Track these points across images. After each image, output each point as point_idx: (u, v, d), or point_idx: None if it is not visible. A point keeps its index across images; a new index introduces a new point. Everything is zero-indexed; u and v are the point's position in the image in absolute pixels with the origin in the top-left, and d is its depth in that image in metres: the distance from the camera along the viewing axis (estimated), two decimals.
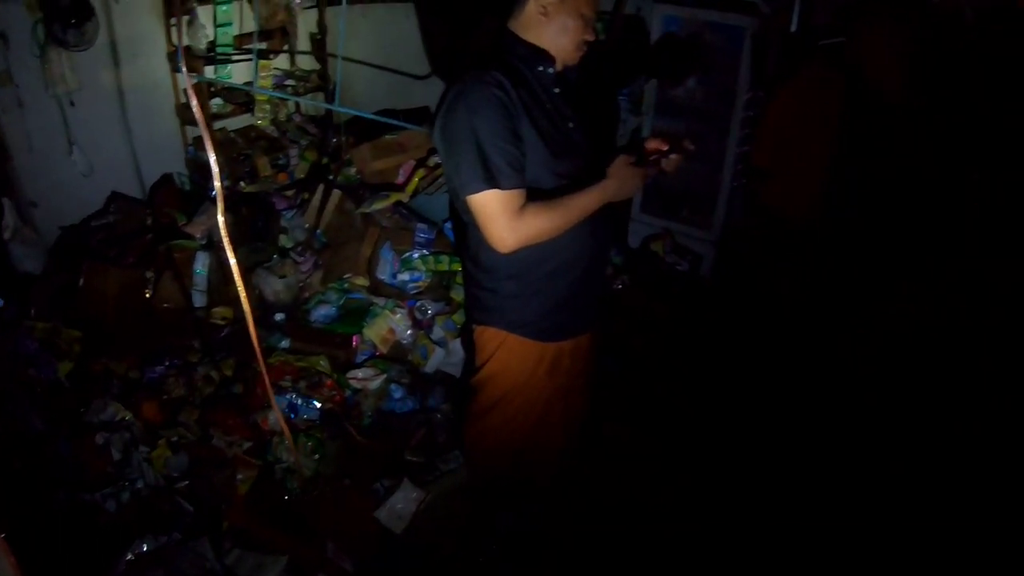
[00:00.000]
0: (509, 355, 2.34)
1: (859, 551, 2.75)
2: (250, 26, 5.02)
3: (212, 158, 2.36)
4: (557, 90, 2.12)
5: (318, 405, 3.53)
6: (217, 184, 2.38)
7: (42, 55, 4.51)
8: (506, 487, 2.69)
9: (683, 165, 2.26)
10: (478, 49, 2.21)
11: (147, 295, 4.17)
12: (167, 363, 3.76)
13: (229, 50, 4.96)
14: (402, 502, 3.10)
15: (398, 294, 4.02)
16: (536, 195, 2.01)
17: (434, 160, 4.45)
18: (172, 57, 4.86)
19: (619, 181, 2.08)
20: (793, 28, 4.38)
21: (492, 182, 1.93)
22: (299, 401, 3.54)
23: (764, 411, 3.45)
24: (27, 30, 4.44)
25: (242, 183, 4.81)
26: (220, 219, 2.43)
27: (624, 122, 5.04)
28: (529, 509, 2.82)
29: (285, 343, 3.87)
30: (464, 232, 2.26)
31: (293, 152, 4.98)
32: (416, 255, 4.08)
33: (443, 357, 3.83)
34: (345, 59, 5.26)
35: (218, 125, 5.12)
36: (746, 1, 4.31)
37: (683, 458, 3.34)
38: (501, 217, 1.96)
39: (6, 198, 4.55)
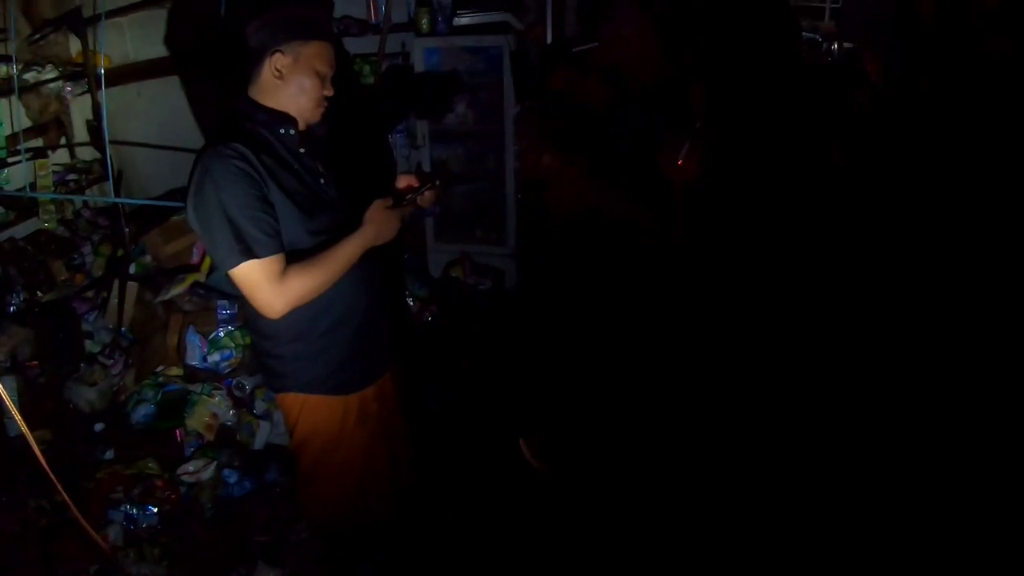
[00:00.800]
0: (314, 415, 2.43)
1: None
2: (22, 123, 4.88)
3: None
4: (303, 150, 2.23)
5: (155, 510, 3.55)
6: None
7: None
8: (352, 541, 2.79)
9: (442, 195, 2.46)
10: (220, 119, 2.28)
11: None
12: None
13: (2, 153, 4.81)
14: None
15: (213, 376, 4.06)
16: (295, 256, 2.11)
17: None
18: None
19: (376, 225, 2.20)
20: (548, 40, 4.60)
21: (248, 253, 1.99)
22: (135, 511, 3.55)
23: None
24: None
25: (39, 292, 4.70)
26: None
27: (407, 157, 5.17)
28: (382, 557, 2.93)
29: (109, 454, 3.87)
30: (243, 304, 2.36)
31: (87, 249, 4.87)
32: (222, 333, 4.12)
33: (269, 430, 3.91)
34: (122, 143, 5.20)
35: (4, 235, 4.97)
36: (499, 22, 4.48)
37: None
38: (264, 285, 2.03)
39: None
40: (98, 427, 4.05)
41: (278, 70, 2.12)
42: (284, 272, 2.05)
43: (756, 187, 2.68)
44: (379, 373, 2.52)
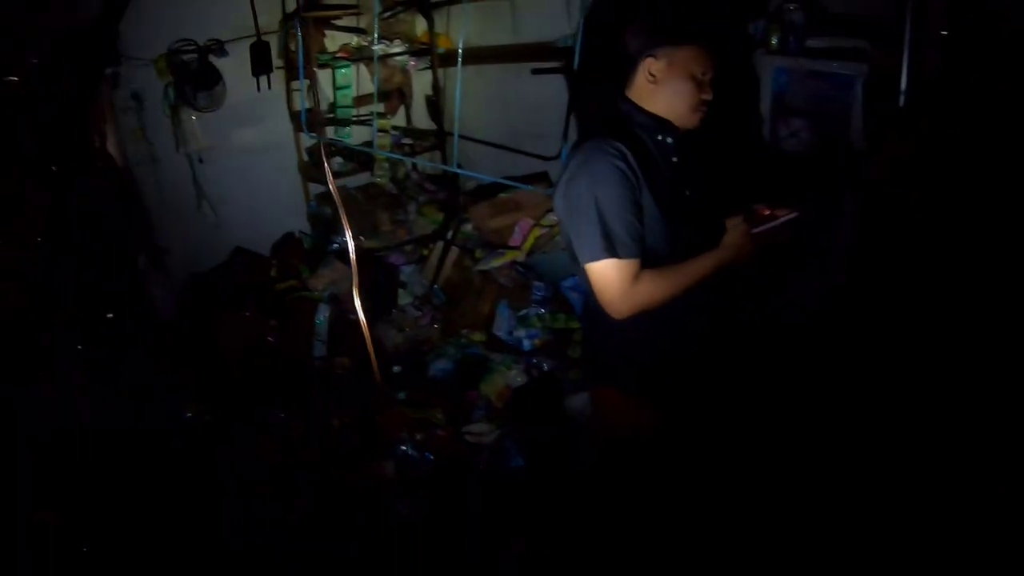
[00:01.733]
0: (631, 416, 2.29)
1: None
2: (368, 88, 5.23)
3: (342, 214, 2.43)
4: (675, 159, 2.12)
5: (432, 458, 3.54)
6: (351, 243, 2.43)
7: (173, 115, 4.85)
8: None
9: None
10: (602, 116, 2.21)
11: (271, 343, 4.29)
12: (288, 408, 3.84)
13: (349, 111, 5.16)
14: None
15: (515, 351, 4.03)
16: (650, 263, 2.00)
17: (550, 219, 4.49)
18: (295, 118, 5.08)
19: (735, 250, 2.05)
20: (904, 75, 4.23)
21: (611, 251, 1.93)
22: (414, 453, 3.56)
23: None
24: (160, 92, 4.80)
25: (363, 238, 4.95)
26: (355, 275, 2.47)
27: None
28: None
29: (401, 395, 3.91)
30: (588, 297, 2.26)
31: (411, 208, 5.10)
32: (533, 313, 4.11)
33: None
34: (461, 136, 5.42)
35: (339, 183, 5.28)
36: (855, 48, 4.21)
37: None
38: (616, 285, 1.96)
39: (139, 244, 4.80)
40: (396, 369, 4.13)
41: (652, 75, 2.04)
42: (638, 277, 1.96)
43: None
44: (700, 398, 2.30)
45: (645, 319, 2.05)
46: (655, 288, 1.97)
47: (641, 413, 2.25)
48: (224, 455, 3.57)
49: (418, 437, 3.63)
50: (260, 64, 4.81)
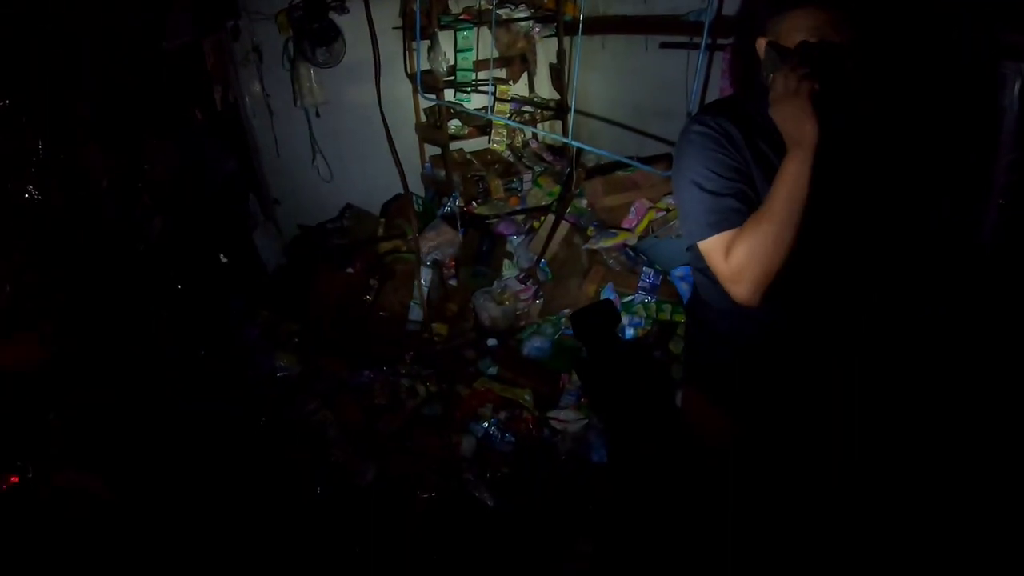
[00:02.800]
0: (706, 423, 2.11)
1: None
2: (491, 53, 5.09)
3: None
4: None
5: (513, 439, 3.39)
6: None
7: (292, 70, 4.88)
8: None
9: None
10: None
11: (368, 302, 4.22)
12: (376, 370, 3.76)
13: (469, 75, 5.02)
14: None
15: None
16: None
17: (667, 203, 4.23)
18: (413, 78, 5.01)
19: (780, 118, 1.62)
20: None
21: (717, 227, 1.68)
22: (495, 431, 3.41)
23: None
24: (279, 46, 4.83)
25: (474, 203, 4.82)
26: None
27: None
28: None
29: (493, 370, 3.76)
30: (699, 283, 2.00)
31: (527, 178, 4.94)
32: (639, 300, 3.87)
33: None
34: (584, 111, 5.19)
35: (455, 146, 5.20)
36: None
37: None
38: (718, 261, 1.69)
39: (253, 194, 4.83)
40: (491, 343, 3.98)
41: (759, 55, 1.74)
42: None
43: None
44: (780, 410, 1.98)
45: (726, 316, 1.85)
46: (753, 240, 1.62)
47: (722, 422, 2.03)
48: (306, 411, 3.51)
49: (502, 416, 3.49)
50: None
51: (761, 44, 1.74)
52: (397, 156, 2.52)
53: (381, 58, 4.89)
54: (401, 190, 5.20)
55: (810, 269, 1.68)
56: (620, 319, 3.83)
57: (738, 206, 1.66)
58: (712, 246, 1.68)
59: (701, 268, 1.84)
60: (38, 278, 2.83)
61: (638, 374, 3.64)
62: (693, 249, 1.79)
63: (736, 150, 1.70)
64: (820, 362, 1.88)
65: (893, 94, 2.00)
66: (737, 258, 1.63)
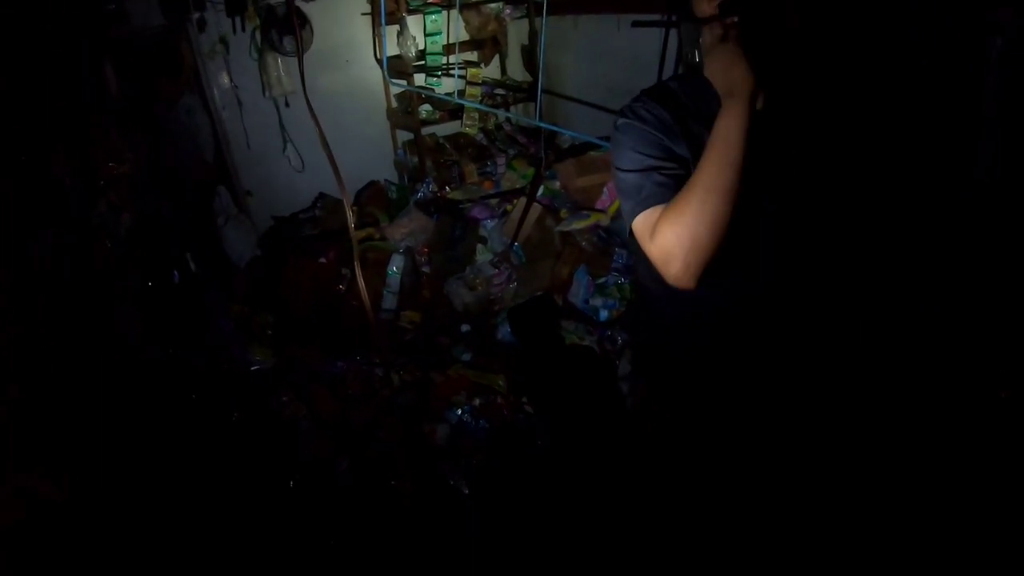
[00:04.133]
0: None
1: None
2: (462, 36, 5.04)
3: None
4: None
5: (486, 426, 3.36)
6: None
7: (260, 60, 4.83)
8: None
9: None
10: None
11: (341, 291, 4.18)
12: (349, 359, 3.73)
13: (439, 59, 4.97)
14: None
15: (589, 320, 3.78)
16: None
17: None
18: (382, 65, 4.97)
19: (710, 71, 1.48)
20: None
21: (642, 206, 1.51)
22: (468, 418, 3.39)
23: None
24: (246, 36, 4.78)
25: (448, 188, 4.78)
26: None
27: None
28: None
29: (467, 356, 3.73)
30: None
31: (501, 161, 4.90)
32: (612, 281, 3.84)
33: (625, 392, 3.54)
34: (556, 92, 5.15)
35: (427, 131, 5.15)
36: None
37: None
38: (647, 240, 1.49)
39: (222, 186, 4.79)
40: (464, 328, 3.95)
41: None
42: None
43: None
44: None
45: (669, 302, 1.68)
46: (679, 212, 1.41)
47: (675, 418, 1.92)
48: (279, 403, 3.49)
49: (477, 403, 3.46)
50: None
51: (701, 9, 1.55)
52: (330, 152, 2.45)
53: (348, 45, 4.88)
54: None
55: (757, 245, 1.54)
56: (559, 314, 3.80)
57: (663, 180, 1.49)
58: (639, 225, 1.51)
59: (638, 252, 1.63)
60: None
61: (577, 372, 3.61)
62: (631, 236, 1.61)
63: (665, 132, 1.55)
64: (781, 353, 1.73)
65: (857, 52, 1.88)
66: (663, 235, 1.43)
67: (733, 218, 1.40)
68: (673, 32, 4.02)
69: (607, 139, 4.03)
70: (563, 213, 4.23)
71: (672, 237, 1.41)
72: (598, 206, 4.19)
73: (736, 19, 1.43)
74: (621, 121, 1.60)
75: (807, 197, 1.57)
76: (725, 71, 1.43)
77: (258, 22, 4.70)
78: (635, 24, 4.42)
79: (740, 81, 1.41)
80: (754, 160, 1.40)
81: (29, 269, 2.93)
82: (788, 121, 1.54)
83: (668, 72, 3.73)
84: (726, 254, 1.43)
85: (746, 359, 1.74)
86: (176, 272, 4.46)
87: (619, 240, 3.98)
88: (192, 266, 4.65)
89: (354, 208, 4.88)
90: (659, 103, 1.59)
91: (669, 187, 1.47)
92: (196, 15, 4.55)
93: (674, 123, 1.56)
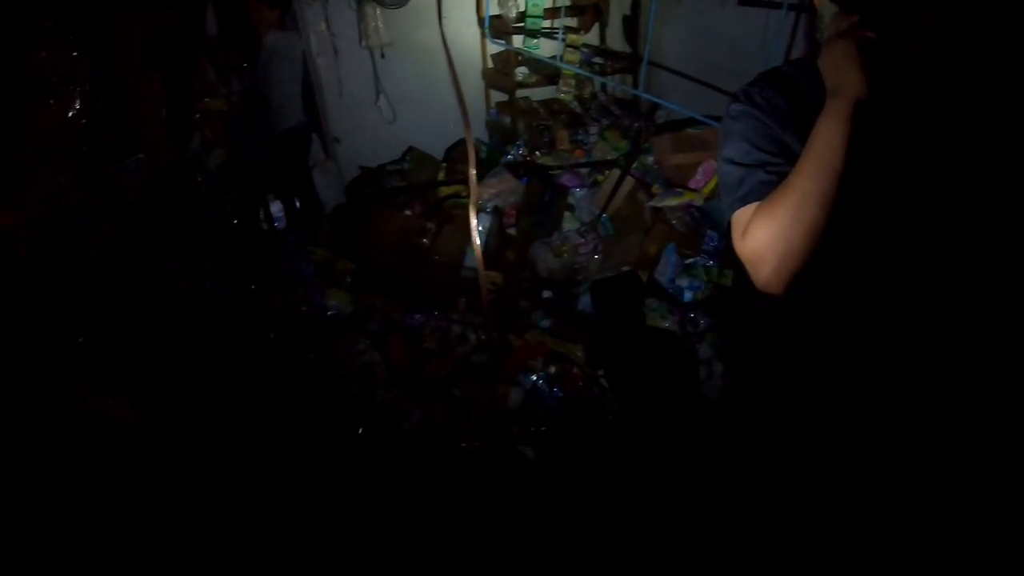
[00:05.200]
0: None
1: None
2: (561, 0, 4.96)
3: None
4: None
5: (560, 394, 3.32)
6: None
7: (358, 9, 4.83)
8: None
9: None
10: None
11: (424, 245, 4.16)
12: (428, 314, 3.72)
13: (539, 22, 4.90)
14: None
15: (672, 299, 3.69)
16: None
17: None
18: (482, 23, 4.91)
19: (823, 64, 1.40)
20: None
21: (739, 201, 1.45)
22: (543, 384, 3.35)
23: None
24: None
25: (538, 153, 4.72)
26: None
27: None
28: None
29: (546, 322, 3.68)
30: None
31: (593, 130, 4.81)
32: (701, 263, 3.74)
33: (704, 377, 3.46)
34: (657, 63, 5.03)
35: (522, 93, 5.09)
36: None
37: None
38: (739, 238, 1.43)
39: (314, 133, 4.80)
40: (546, 294, 3.90)
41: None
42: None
43: None
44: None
45: (758, 294, 1.49)
46: (773, 212, 1.34)
47: (762, 410, 1.84)
48: (355, 350, 3.48)
49: (552, 370, 3.42)
50: None
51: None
52: (464, 104, 2.40)
53: (450, 1, 4.82)
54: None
55: (854, 249, 1.45)
56: (643, 293, 3.71)
57: (768, 178, 1.41)
58: (734, 221, 1.45)
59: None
60: (83, 198, 2.80)
61: (655, 353, 3.52)
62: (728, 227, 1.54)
63: (780, 123, 1.47)
64: (875, 353, 1.59)
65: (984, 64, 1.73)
66: (755, 236, 1.36)
67: (830, 222, 1.31)
68: (776, 15, 3.90)
69: (710, 118, 3.95)
70: (655, 189, 4.13)
71: (764, 240, 1.35)
72: (692, 185, 4.07)
73: (863, 18, 1.33)
74: (735, 107, 1.51)
75: (909, 203, 1.46)
76: (837, 67, 1.35)
77: None
78: (741, 2, 4.28)
79: (849, 82, 1.32)
80: (856, 164, 1.31)
81: (115, 193, 2.95)
82: (894, 127, 1.44)
83: (771, 57, 3.59)
84: (821, 257, 1.35)
85: (837, 359, 1.63)
86: (261, 211, 4.50)
87: (711, 222, 3.87)
88: (277, 207, 4.70)
89: (443, 165, 4.87)
90: (776, 90, 1.50)
91: (772, 185, 1.39)
92: None
93: (790, 113, 1.46)
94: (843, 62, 1.33)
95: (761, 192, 1.39)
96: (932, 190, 1.46)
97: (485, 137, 5.29)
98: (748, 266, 1.40)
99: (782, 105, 1.47)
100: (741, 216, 1.42)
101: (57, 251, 2.50)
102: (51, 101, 2.56)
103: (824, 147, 1.31)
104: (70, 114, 2.59)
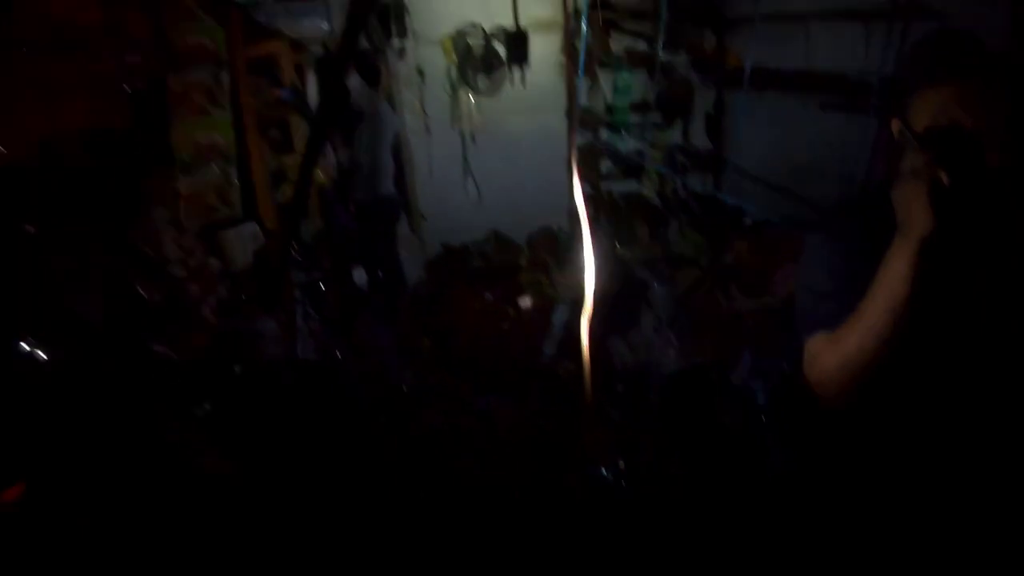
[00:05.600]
0: None
1: None
2: (648, 96, 5.13)
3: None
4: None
5: (627, 487, 3.35)
6: None
7: (452, 94, 5.07)
8: None
9: None
10: None
11: (504, 329, 4.27)
12: (500, 398, 3.79)
13: (625, 117, 5.06)
14: None
15: (745, 400, 3.72)
16: None
17: None
18: (571, 114, 5.09)
19: (895, 200, 1.40)
20: None
21: (808, 331, 1.50)
22: (610, 477, 3.38)
23: None
24: (442, 69, 5.05)
25: (618, 245, 4.83)
26: None
27: None
28: None
29: (617, 415, 3.73)
30: None
31: (673, 226, 4.92)
32: (776, 366, 3.76)
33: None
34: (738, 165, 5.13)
35: (604, 186, 5.22)
36: None
37: None
38: (809, 365, 1.49)
39: (402, 209, 5.00)
40: (619, 387, 3.96)
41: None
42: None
43: None
44: None
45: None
46: (841, 346, 1.42)
47: None
48: (425, 427, 3.57)
49: (620, 464, 3.44)
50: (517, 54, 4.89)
51: (896, 126, 1.52)
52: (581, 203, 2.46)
53: (539, 91, 5.03)
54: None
55: (916, 377, 1.47)
56: (715, 392, 3.74)
57: (838, 309, 1.45)
58: (805, 347, 1.50)
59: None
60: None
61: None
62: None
63: (853, 255, 1.51)
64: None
65: None
66: (821, 365, 1.45)
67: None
68: (854, 116, 3.97)
69: (789, 220, 4.03)
70: (734, 290, 4.19)
71: (831, 369, 1.43)
72: (772, 289, 4.13)
73: (936, 157, 1.35)
74: (814, 236, 1.60)
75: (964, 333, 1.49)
76: (907, 202, 1.37)
77: (455, 59, 4.92)
78: (823, 107, 4.35)
79: (917, 224, 1.35)
80: (921, 299, 1.35)
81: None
82: (960, 264, 1.47)
83: (855, 157, 3.65)
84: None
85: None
86: (345, 281, 4.67)
87: (787, 326, 3.90)
88: (360, 274, 4.86)
89: (526, 251, 5.01)
90: (851, 220, 1.58)
91: (842, 318, 1.44)
92: (398, 44, 4.84)
93: (863, 246, 1.48)
94: (913, 198, 1.35)
95: (830, 323, 1.45)
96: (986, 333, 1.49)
97: (567, 226, 5.41)
98: (815, 388, 1.48)
99: (856, 236, 1.52)
100: (811, 345, 1.48)
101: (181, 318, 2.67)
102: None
103: (890, 285, 1.36)
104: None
